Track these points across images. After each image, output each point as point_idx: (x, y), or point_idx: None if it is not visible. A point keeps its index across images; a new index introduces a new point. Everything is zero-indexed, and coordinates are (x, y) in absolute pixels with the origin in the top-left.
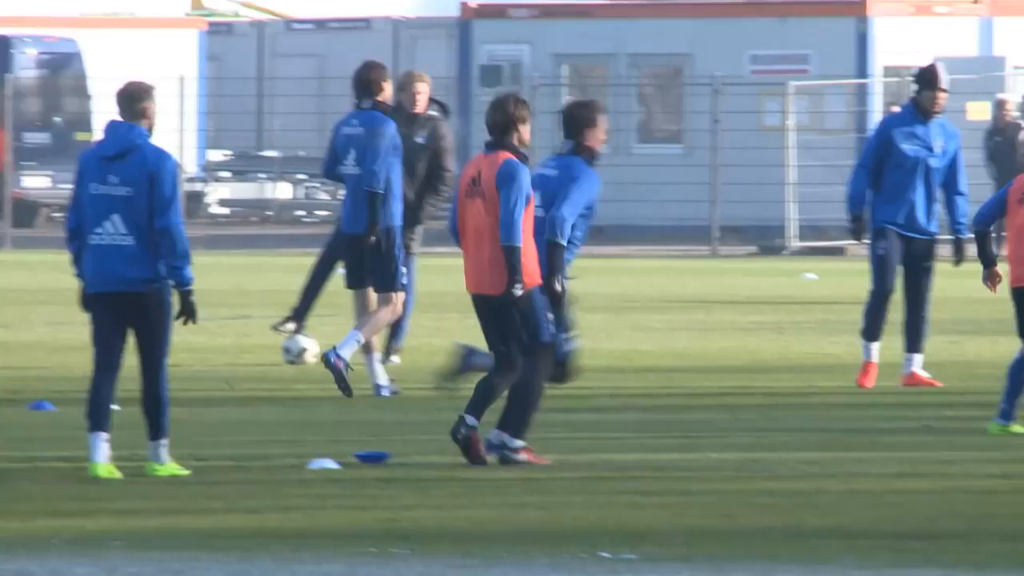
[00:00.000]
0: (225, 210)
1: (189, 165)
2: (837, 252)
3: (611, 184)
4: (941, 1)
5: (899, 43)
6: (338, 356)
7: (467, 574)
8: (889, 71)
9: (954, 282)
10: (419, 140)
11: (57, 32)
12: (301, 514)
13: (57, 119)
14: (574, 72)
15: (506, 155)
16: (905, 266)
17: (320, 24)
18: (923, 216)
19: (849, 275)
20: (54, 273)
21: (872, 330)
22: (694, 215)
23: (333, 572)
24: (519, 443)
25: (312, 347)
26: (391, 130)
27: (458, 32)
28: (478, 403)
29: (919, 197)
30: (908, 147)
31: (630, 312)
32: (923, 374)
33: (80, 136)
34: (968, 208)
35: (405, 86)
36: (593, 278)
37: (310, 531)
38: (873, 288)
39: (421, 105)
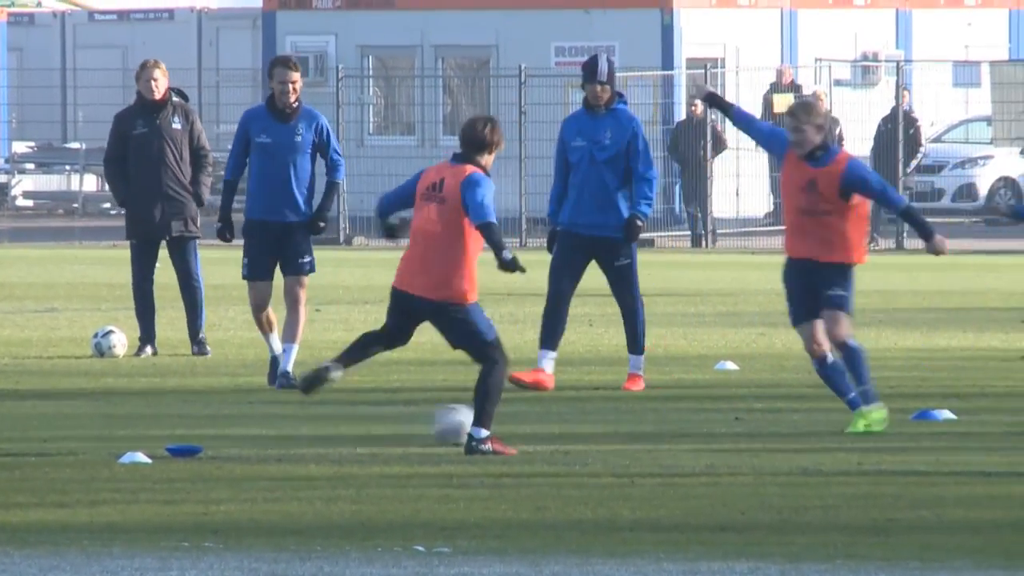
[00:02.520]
0: (30, 202)
1: None
2: (646, 244)
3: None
4: None
5: (703, 35)
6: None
7: (280, 568)
8: (693, 63)
9: (764, 275)
10: (176, 125)
11: None
12: (112, 508)
13: None
14: (380, 64)
15: (474, 168)
16: (601, 266)
17: (123, 15)
18: (597, 212)
19: (656, 266)
20: None
21: (545, 336)
22: (502, 207)
23: (146, 566)
24: (485, 433)
25: (121, 340)
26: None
27: (262, 23)
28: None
29: (591, 193)
30: (577, 143)
31: None
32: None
33: None
34: (651, 192)
35: (140, 75)
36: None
37: (121, 525)
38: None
39: (160, 92)
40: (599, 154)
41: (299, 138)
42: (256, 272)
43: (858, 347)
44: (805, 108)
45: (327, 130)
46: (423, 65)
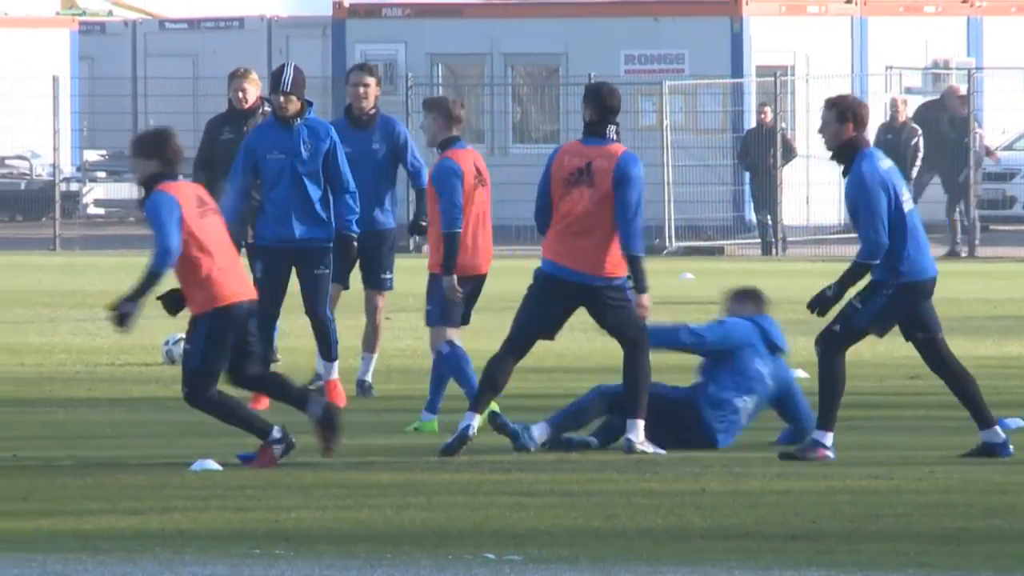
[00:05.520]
0: (101, 210)
1: (65, 165)
2: (716, 252)
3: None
4: (814, 1)
5: (773, 42)
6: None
7: (350, 575)
8: (763, 71)
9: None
10: None
11: None
12: (183, 515)
13: None
14: (449, 72)
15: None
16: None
17: (193, 24)
18: (299, 225)
19: (726, 275)
20: None
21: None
22: None
23: (217, 573)
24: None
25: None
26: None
27: (332, 31)
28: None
29: (293, 204)
30: (272, 156)
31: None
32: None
33: None
34: (354, 204)
35: (229, 84)
36: None
37: (193, 532)
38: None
39: (249, 102)
40: (302, 167)
41: (376, 146)
42: (333, 277)
43: None
44: None
45: (406, 137)
46: (492, 73)
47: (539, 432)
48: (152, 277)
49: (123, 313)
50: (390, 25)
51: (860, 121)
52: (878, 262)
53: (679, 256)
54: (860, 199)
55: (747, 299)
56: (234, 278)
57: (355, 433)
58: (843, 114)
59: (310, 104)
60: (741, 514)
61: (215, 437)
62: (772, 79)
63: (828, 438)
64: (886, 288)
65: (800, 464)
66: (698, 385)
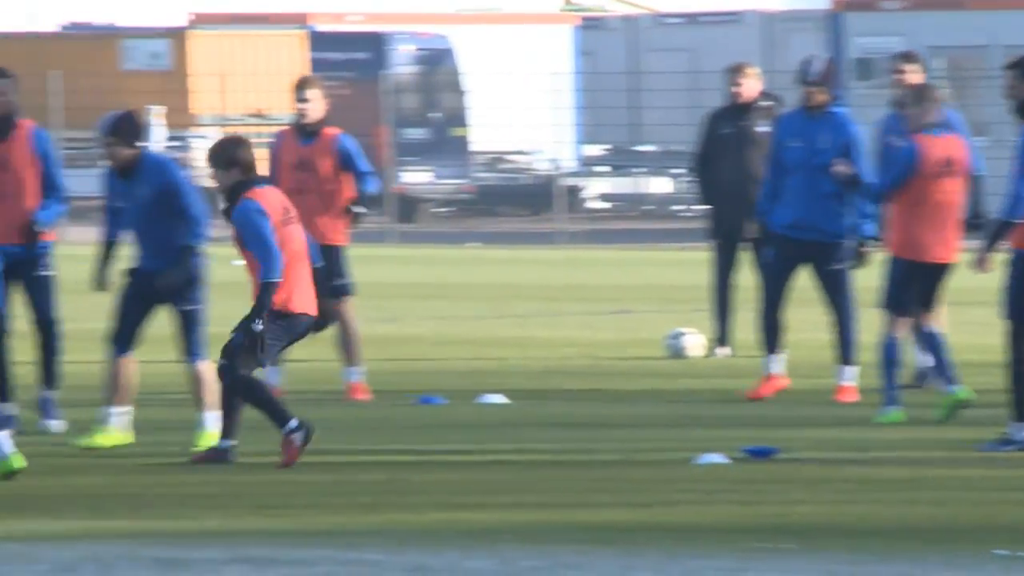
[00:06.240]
0: (603, 204)
1: (566, 160)
2: None
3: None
4: None
5: None
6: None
7: (859, 571)
8: None
9: None
10: (759, 128)
11: (431, 29)
12: (689, 508)
13: (433, 115)
14: (951, 65)
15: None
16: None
17: (690, 18)
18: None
19: None
20: (438, 267)
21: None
22: None
23: (724, 567)
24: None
25: (695, 341)
26: None
27: (829, 25)
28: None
29: (801, 196)
30: (792, 145)
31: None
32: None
33: (455, 132)
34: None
35: (728, 78)
36: None
37: (698, 525)
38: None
39: (745, 96)
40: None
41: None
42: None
43: None
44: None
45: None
46: (992, 66)
47: None
48: (269, 288)
49: (256, 332)
50: (888, 18)
51: None
52: None
53: None
54: None
55: None
56: (303, 291)
57: (860, 428)
58: None
59: (837, 97)
60: None
61: (722, 429)
62: None
63: None
64: None
65: None
66: None
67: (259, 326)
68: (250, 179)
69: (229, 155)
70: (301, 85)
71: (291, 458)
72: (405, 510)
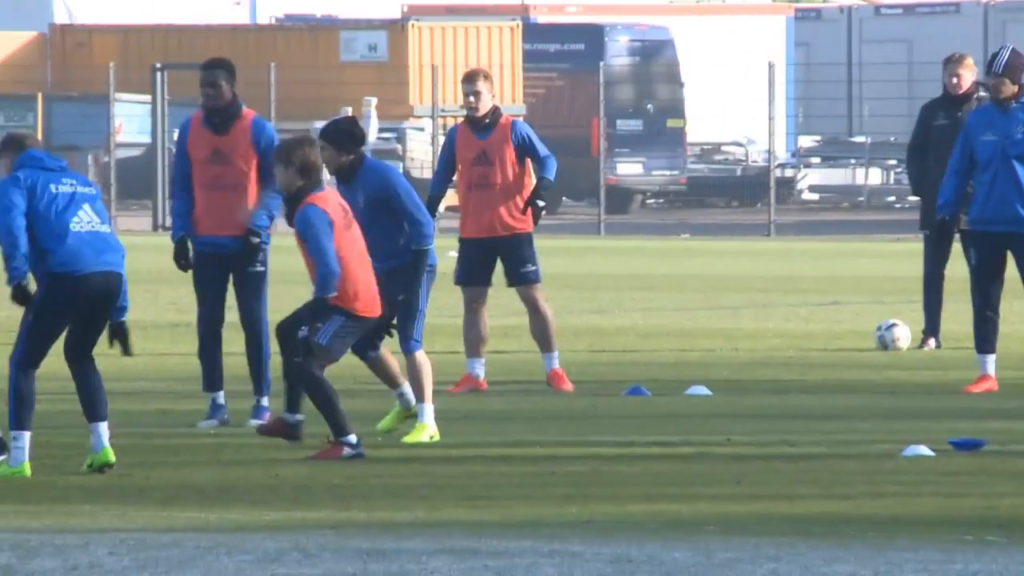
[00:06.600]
0: (815, 196)
1: (780, 151)
2: None
3: None
4: None
5: None
6: None
7: None
8: None
9: None
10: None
11: (649, 20)
12: (895, 500)
13: (648, 106)
14: None
15: None
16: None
17: (908, 9)
18: (1021, 208)
19: None
20: (648, 259)
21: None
22: None
23: (929, 558)
24: None
25: (904, 333)
26: None
27: None
28: None
29: (1003, 187)
30: (986, 139)
31: None
32: None
33: (671, 123)
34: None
35: (944, 70)
36: None
37: (904, 518)
38: None
39: (961, 88)
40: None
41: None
42: None
43: None
44: None
45: None
46: None
47: None
48: (321, 304)
49: (318, 342)
50: None
51: None
52: None
53: None
54: None
55: None
56: (367, 293)
57: None
58: None
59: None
60: None
61: (929, 421)
62: None
63: None
64: None
65: None
66: None
67: (323, 338)
68: (312, 182)
69: (290, 154)
70: (469, 78)
71: (325, 456)
72: (607, 501)
